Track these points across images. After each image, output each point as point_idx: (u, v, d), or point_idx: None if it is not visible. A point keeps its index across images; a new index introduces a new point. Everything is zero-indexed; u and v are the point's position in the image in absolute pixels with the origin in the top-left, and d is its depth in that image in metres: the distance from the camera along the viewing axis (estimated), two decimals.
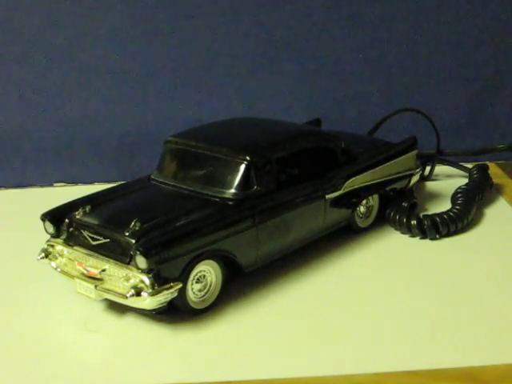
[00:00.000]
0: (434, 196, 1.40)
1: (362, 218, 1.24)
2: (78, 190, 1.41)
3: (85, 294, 0.99)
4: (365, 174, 1.22)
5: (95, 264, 0.99)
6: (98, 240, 0.99)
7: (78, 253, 1.01)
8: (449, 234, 1.22)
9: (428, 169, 1.45)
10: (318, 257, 1.16)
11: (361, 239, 1.23)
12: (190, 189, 1.07)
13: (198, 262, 0.98)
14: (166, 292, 0.94)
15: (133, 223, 0.96)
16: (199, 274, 0.99)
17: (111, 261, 0.97)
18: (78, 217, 1.03)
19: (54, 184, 1.55)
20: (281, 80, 1.56)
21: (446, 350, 0.92)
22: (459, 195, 1.29)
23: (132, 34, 1.51)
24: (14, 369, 0.91)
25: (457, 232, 1.23)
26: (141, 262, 0.93)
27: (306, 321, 0.99)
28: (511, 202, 1.37)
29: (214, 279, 1.01)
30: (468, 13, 1.55)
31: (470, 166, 1.45)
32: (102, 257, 0.98)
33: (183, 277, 0.96)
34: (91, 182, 1.54)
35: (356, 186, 1.20)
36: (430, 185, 1.45)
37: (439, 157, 1.47)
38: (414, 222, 1.21)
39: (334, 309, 1.02)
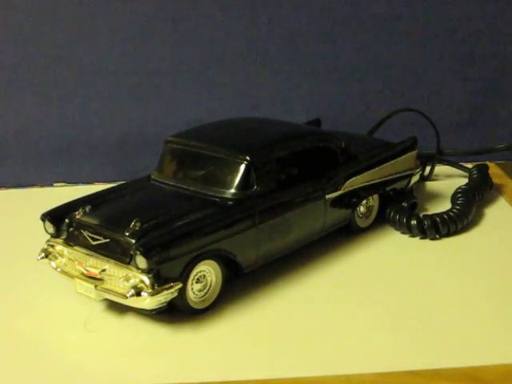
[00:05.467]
0: (434, 196, 1.40)
1: (362, 217, 1.24)
2: (77, 190, 1.41)
3: (85, 293, 0.99)
4: (365, 173, 1.22)
5: (95, 264, 0.99)
6: (98, 240, 0.99)
7: (78, 253, 1.01)
8: (449, 234, 1.22)
9: (428, 169, 1.45)
10: (318, 257, 1.16)
11: (361, 239, 1.23)
12: (190, 189, 1.07)
13: (198, 262, 0.98)
14: (166, 292, 0.94)
15: (133, 223, 0.96)
16: (199, 274, 0.99)
17: (111, 261, 0.97)
18: (78, 217, 1.03)
19: (54, 184, 1.55)
20: (281, 80, 1.56)
21: (445, 350, 0.92)
22: (459, 195, 1.29)
23: (132, 34, 1.51)
24: (14, 369, 0.91)
25: (457, 232, 1.23)
26: (141, 262, 0.93)
27: (306, 321, 0.99)
28: (511, 202, 1.37)
29: (214, 279, 1.01)
30: (468, 12, 1.55)
31: (470, 165, 1.45)
32: (102, 257, 0.98)
33: (183, 277, 0.96)
34: (91, 182, 1.54)
35: (356, 186, 1.20)
36: (430, 185, 1.45)
37: (439, 157, 1.47)
38: (414, 222, 1.21)
39: (334, 309, 1.02)
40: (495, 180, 1.43)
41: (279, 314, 1.01)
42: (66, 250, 1.03)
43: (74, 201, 1.07)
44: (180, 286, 0.96)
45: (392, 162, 1.27)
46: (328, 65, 1.56)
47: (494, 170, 1.50)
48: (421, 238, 1.22)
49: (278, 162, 1.09)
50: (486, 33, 1.56)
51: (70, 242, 1.03)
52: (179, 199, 1.06)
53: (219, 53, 1.53)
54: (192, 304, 0.99)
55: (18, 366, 0.91)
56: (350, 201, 1.20)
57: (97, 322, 0.99)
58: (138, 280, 0.94)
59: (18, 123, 1.54)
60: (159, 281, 0.94)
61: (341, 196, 1.17)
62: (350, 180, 1.19)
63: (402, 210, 1.25)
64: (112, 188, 1.13)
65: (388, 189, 1.27)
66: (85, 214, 1.03)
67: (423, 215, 1.23)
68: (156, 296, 0.93)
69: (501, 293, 1.05)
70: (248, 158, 1.05)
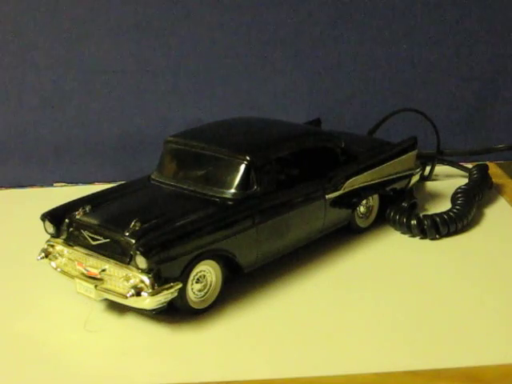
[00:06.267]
0: (434, 196, 1.40)
1: (362, 217, 1.24)
2: (77, 190, 1.41)
3: (85, 294, 0.99)
4: (365, 173, 1.22)
5: (95, 264, 0.99)
6: (98, 240, 0.99)
7: (78, 253, 1.01)
8: (449, 234, 1.22)
9: (428, 169, 1.45)
10: (318, 257, 1.16)
11: (361, 239, 1.23)
12: (190, 189, 1.07)
13: (198, 262, 0.98)
14: (165, 292, 0.94)
15: (133, 223, 0.96)
16: (199, 274, 0.99)
17: (111, 261, 0.97)
18: (78, 217, 1.03)
19: (54, 184, 1.55)
20: (281, 80, 1.56)
21: (446, 350, 0.92)
22: (459, 195, 1.29)
23: (132, 33, 1.51)
24: (14, 369, 0.91)
25: (457, 232, 1.23)
26: (141, 262, 0.93)
27: (306, 321, 0.99)
28: (511, 201, 1.37)
29: (214, 279, 1.01)
30: (468, 13, 1.55)
31: (470, 165, 1.45)
32: (102, 257, 0.98)
33: (183, 277, 0.96)
34: (91, 182, 1.54)
35: (356, 186, 1.20)
36: (430, 185, 1.45)
37: (439, 157, 1.47)
38: (414, 222, 1.21)
39: (334, 309, 1.02)
40: (495, 180, 1.43)
41: (279, 314, 1.01)
42: (65, 250, 1.03)
43: (74, 201, 1.07)
44: (180, 286, 0.96)
45: (392, 161, 1.27)
46: (328, 64, 1.56)
47: (494, 170, 1.50)
48: (421, 238, 1.22)
49: (278, 162, 1.09)
50: (486, 33, 1.56)
51: (70, 241, 1.03)
52: (179, 199, 1.06)
53: (219, 53, 1.53)
54: (192, 304, 0.99)
55: (18, 366, 0.91)
56: (350, 201, 1.20)
57: (97, 322, 0.99)
58: (138, 280, 0.94)
59: (17, 123, 1.54)
60: (159, 281, 0.94)
61: (341, 196, 1.17)
62: (350, 180, 1.19)
63: (402, 209, 1.25)
64: (112, 188, 1.13)
65: (388, 189, 1.27)
66: (85, 213, 1.03)
67: (423, 215, 1.23)
68: (156, 296, 0.93)
69: (501, 293, 1.05)
70: (248, 158, 1.05)
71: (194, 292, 0.99)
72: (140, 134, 1.55)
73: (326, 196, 1.14)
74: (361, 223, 1.24)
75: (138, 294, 0.94)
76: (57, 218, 1.04)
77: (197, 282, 0.99)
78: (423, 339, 0.94)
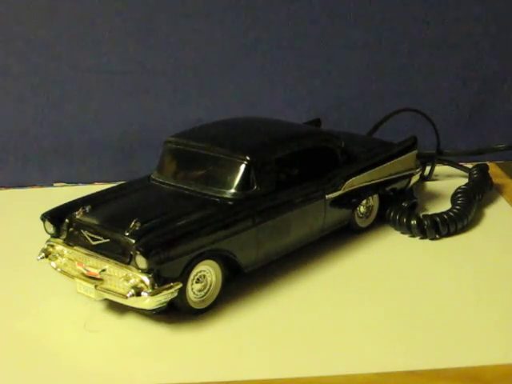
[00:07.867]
0: (434, 196, 1.40)
1: (362, 217, 1.24)
2: (77, 190, 1.41)
3: (85, 293, 0.99)
4: (365, 174, 1.22)
5: (95, 264, 0.99)
6: (98, 240, 0.99)
7: (78, 253, 1.01)
8: (449, 234, 1.22)
9: (428, 169, 1.45)
10: (318, 257, 1.16)
11: (361, 239, 1.23)
12: (190, 189, 1.07)
13: (198, 262, 0.98)
14: (166, 292, 0.94)
15: (133, 223, 0.96)
16: (199, 274, 0.99)
17: (111, 261, 0.97)
18: (78, 217, 1.03)
19: (54, 184, 1.55)
20: (280, 80, 1.56)
21: (446, 350, 0.92)
22: (459, 195, 1.29)
23: (132, 34, 1.51)
24: (14, 369, 0.91)
25: (457, 232, 1.23)
26: (141, 262, 0.93)
27: (306, 321, 0.99)
28: (511, 202, 1.37)
29: (213, 279, 1.01)
30: (468, 13, 1.55)
31: (470, 165, 1.45)
32: (102, 257, 0.98)
33: (183, 277, 0.96)
34: (91, 182, 1.54)
35: (356, 186, 1.20)
36: (430, 185, 1.45)
37: (439, 157, 1.47)
38: (414, 222, 1.21)
39: (334, 309, 1.02)
40: (495, 180, 1.43)
41: (279, 314, 1.01)
42: (66, 250, 1.03)
43: (74, 201, 1.07)
44: (180, 286, 0.96)
45: (392, 162, 1.27)
46: (328, 65, 1.56)
47: (494, 170, 1.50)
48: (421, 238, 1.22)
49: (278, 162, 1.09)
50: (486, 33, 1.56)
51: (70, 242, 1.03)
52: (179, 199, 1.06)
53: (219, 53, 1.53)
54: (192, 304, 0.99)
55: (18, 366, 0.91)
56: (349, 201, 1.20)
57: (97, 322, 0.99)
58: (138, 280, 0.94)
59: (18, 123, 1.54)
60: (159, 281, 0.94)
61: (341, 196, 1.17)
62: (350, 180, 1.19)
63: (402, 210, 1.25)
64: (112, 188, 1.13)
65: (388, 189, 1.27)
66: (85, 213, 1.03)
67: (423, 215, 1.23)
68: (156, 296, 0.93)
69: (501, 293, 1.05)
70: (248, 158, 1.05)
71: (194, 292, 0.99)
72: (140, 134, 1.55)
73: (326, 196, 1.14)
74: (361, 223, 1.24)
75: (138, 293, 0.94)
76: (57, 218, 1.04)
77: (197, 282, 0.99)
78: (423, 339, 0.94)
